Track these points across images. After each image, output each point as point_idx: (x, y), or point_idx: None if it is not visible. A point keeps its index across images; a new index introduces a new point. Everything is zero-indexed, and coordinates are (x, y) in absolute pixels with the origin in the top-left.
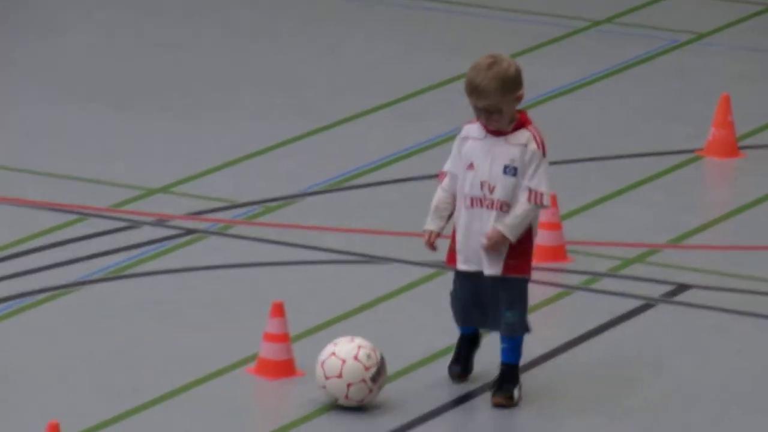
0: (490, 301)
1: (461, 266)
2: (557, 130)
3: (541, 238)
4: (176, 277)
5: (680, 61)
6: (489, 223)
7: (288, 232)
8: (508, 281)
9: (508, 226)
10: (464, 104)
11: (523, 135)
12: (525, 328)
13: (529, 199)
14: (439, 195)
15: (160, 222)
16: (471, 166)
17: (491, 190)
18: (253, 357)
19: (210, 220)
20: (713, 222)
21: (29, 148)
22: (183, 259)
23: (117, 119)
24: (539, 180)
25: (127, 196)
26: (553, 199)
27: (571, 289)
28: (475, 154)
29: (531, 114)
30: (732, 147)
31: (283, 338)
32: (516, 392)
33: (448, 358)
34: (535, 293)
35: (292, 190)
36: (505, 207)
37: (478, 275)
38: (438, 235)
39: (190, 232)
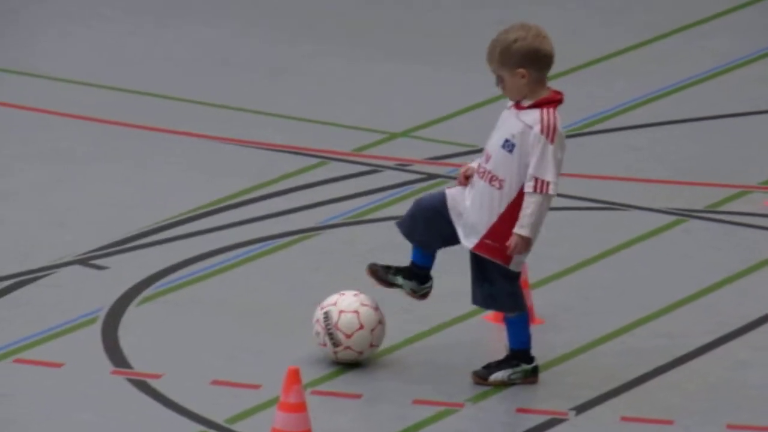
0: (471, 269)
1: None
2: None
3: None
4: None
5: None
6: (477, 194)
7: None
8: (483, 258)
9: (525, 226)
10: (711, 47)
11: (532, 114)
12: (505, 306)
13: (535, 189)
14: None
15: (402, 166)
16: None
17: (487, 160)
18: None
19: (451, 164)
20: None
21: (272, 91)
22: None
23: (358, 62)
24: (545, 168)
25: (369, 141)
26: None
27: None
28: (498, 123)
29: None
30: None
31: (523, 285)
32: (500, 375)
33: (691, 307)
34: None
35: None
36: (494, 180)
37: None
38: (472, 169)
39: (431, 177)
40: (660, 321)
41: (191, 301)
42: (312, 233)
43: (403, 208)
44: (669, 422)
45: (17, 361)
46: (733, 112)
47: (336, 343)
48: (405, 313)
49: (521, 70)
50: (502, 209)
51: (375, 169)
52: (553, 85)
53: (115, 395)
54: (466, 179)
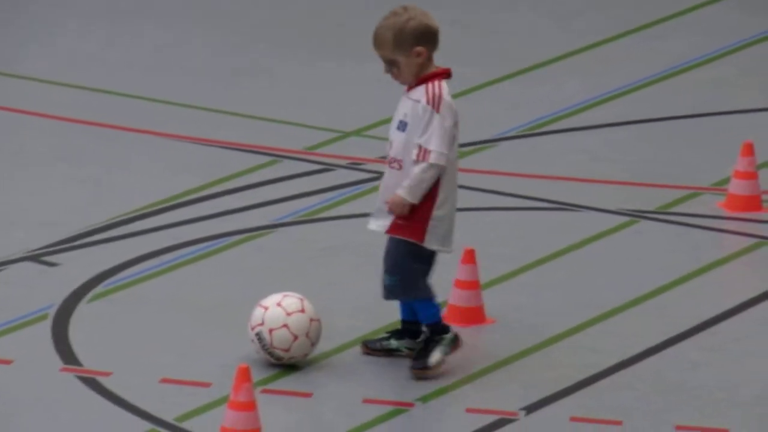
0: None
1: None
2: None
3: (737, 188)
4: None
5: None
6: (384, 179)
7: (481, 178)
8: (393, 242)
9: (405, 187)
10: (664, 49)
11: (419, 90)
12: (408, 294)
13: (417, 157)
14: None
15: (354, 165)
16: None
17: (390, 147)
18: (443, 304)
19: None
20: None
21: (225, 90)
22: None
23: (311, 62)
24: (428, 137)
25: (321, 139)
26: None
27: (766, 239)
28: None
29: None
30: None
31: (474, 285)
32: (436, 355)
33: (643, 308)
34: (728, 244)
35: (486, 135)
36: (393, 163)
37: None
38: None
39: (383, 175)
40: (611, 321)
41: (142, 298)
42: (264, 231)
43: (355, 207)
44: (618, 423)
45: None
46: (685, 113)
47: (278, 358)
48: (357, 312)
49: (418, 48)
50: None
51: (327, 168)
52: (508, 84)
53: (65, 392)
54: None
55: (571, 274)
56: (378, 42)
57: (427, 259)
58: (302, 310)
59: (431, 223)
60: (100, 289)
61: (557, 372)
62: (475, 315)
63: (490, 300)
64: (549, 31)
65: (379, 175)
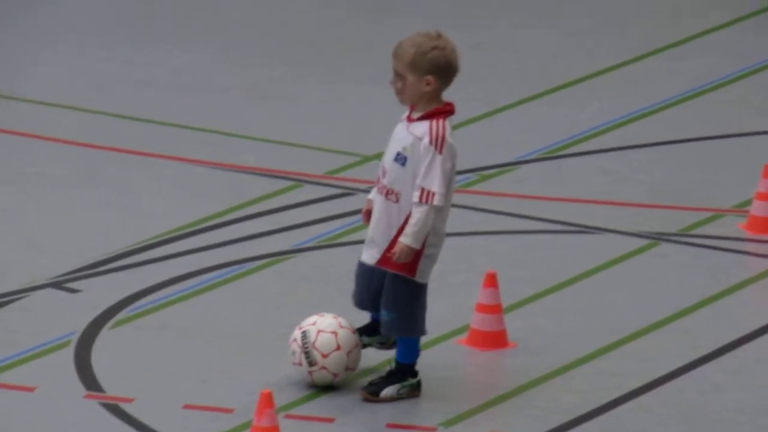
0: (370, 283)
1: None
2: None
3: (758, 209)
4: None
5: None
6: (377, 209)
7: (502, 201)
8: (391, 281)
9: (409, 235)
10: (684, 70)
11: (422, 126)
12: (406, 331)
13: (420, 199)
14: None
15: None
16: None
17: (384, 174)
18: (465, 328)
19: None
20: None
21: (246, 114)
22: None
23: (331, 85)
24: (431, 179)
25: (343, 163)
26: None
27: None
28: (392, 137)
29: None
30: None
31: (496, 309)
32: (391, 390)
33: (665, 331)
34: (750, 266)
35: (508, 157)
36: (390, 194)
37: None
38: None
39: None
40: (633, 344)
41: (164, 324)
42: (285, 256)
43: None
44: None
45: None
46: (706, 135)
47: (312, 363)
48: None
49: (429, 77)
50: (401, 222)
51: (348, 192)
52: (528, 106)
53: (88, 419)
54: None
55: (593, 298)
56: (398, 52)
57: (424, 292)
58: (353, 331)
59: (423, 261)
60: (122, 315)
61: (579, 396)
62: (497, 339)
63: (512, 324)
64: (570, 51)
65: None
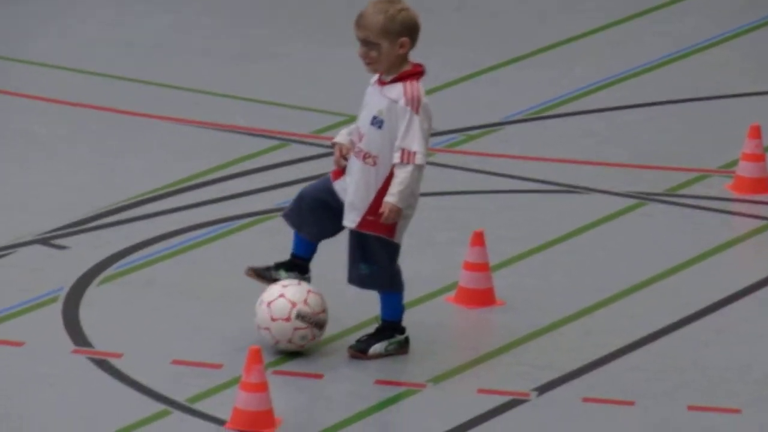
0: (348, 250)
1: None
2: None
3: (744, 170)
4: None
5: None
6: (355, 173)
7: (488, 161)
8: (365, 236)
9: (395, 194)
10: (671, 32)
11: (396, 89)
12: (384, 285)
13: (401, 160)
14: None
15: None
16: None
17: (360, 139)
18: (453, 286)
19: None
20: None
21: (234, 74)
22: None
23: (319, 46)
24: (411, 139)
25: (330, 123)
26: None
27: None
28: (364, 101)
29: None
30: None
31: (484, 267)
32: (379, 347)
33: (652, 290)
34: (737, 226)
35: (493, 118)
36: (368, 158)
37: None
38: (348, 148)
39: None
40: (621, 303)
41: (152, 281)
42: (272, 215)
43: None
44: (630, 403)
45: None
46: (693, 96)
47: (322, 325)
48: (365, 292)
49: (403, 39)
50: (379, 185)
51: (333, 151)
52: (514, 68)
53: (77, 374)
54: (344, 158)
55: (580, 257)
56: (365, 23)
57: (398, 252)
58: (299, 283)
59: (401, 222)
60: (110, 271)
61: (568, 353)
62: (485, 297)
63: (499, 282)
64: (554, 13)
65: None
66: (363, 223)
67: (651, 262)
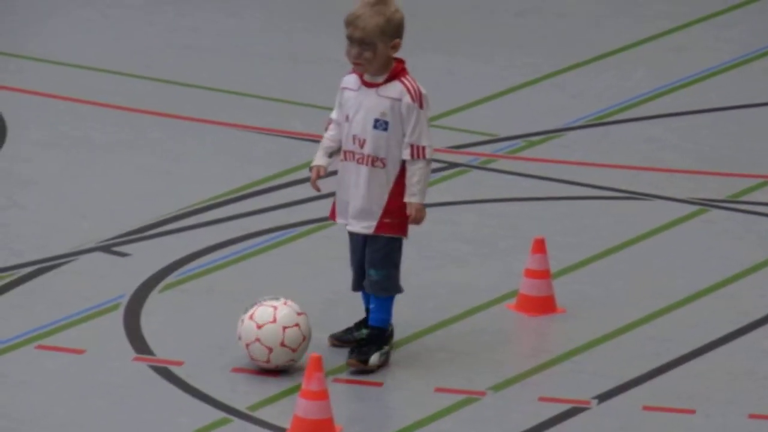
0: (361, 258)
1: (339, 220)
2: None
3: None
4: (438, 211)
5: None
6: (362, 179)
7: (550, 167)
8: (378, 239)
9: (416, 193)
10: (732, 37)
11: (395, 87)
12: (391, 289)
13: (412, 156)
14: (325, 137)
15: None
16: (347, 118)
17: (362, 145)
18: (514, 293)
19: (472, 153)
20: None
21: (293, 79)
22: (445, 192)
23: None
24: (419, 134)
25: None
26: None
27: None
28: (350, 106)
29: None
30: None
31: (544, 274)
32: (376, 357)
33: (713, 297)
34: None
35: (555, 124)
36: (376, 162)
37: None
38: (325, 170)
39: (452, 165)
40: (682, 311)
41: (213, 288)
42: (332, 222)
43: (428, 195)
44: (691, 411)
45: (39, 347)
46: (755, 102)
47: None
48: (426, 301)
49: (397, 41)
50: (391, 186)
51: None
52: (575, 73)
53: (137, 382)
54: (317, 185)
55: (641, 264)
56: (363, 24)
57: (402, 248)
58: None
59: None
60: (171, 279)
61: (629, 361)
62: (545, 304)
63: (560, 289)
64: (617, 18)
65: (447, 165)
66: (380, 226)
67: (712, 269)
